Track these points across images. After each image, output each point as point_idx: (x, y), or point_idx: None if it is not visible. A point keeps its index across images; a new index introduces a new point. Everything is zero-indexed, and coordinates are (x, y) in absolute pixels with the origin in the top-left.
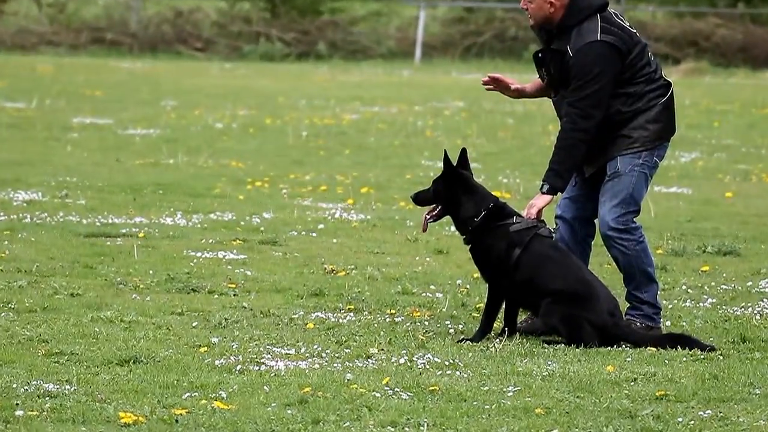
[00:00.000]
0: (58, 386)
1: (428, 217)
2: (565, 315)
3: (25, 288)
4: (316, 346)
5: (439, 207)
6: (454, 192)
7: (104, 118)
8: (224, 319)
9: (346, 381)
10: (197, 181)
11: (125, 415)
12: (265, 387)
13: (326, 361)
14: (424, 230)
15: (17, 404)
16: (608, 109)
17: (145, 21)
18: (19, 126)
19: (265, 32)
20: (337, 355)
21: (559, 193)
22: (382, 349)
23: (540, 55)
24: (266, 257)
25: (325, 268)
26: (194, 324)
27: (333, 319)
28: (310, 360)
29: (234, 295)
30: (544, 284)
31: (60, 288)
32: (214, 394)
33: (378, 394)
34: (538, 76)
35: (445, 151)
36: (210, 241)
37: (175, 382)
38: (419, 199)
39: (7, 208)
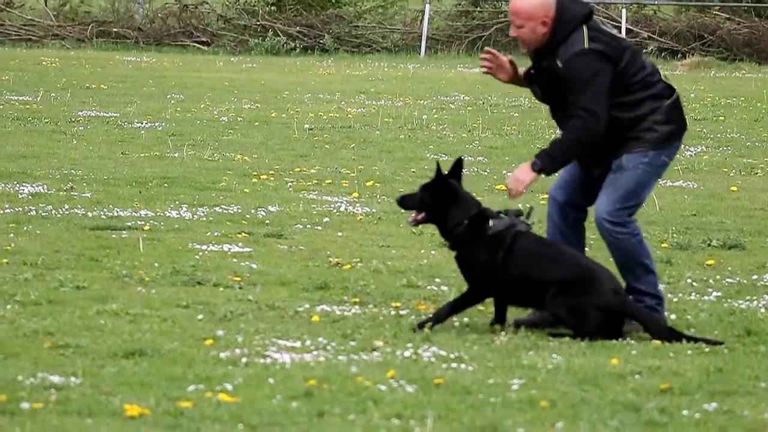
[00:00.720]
0: (63, 379)
1: (410, 221)
2: (571, 305)
3: (31, 280)
4: (321, 339)
5: (424, 213)
6: (441, 202)
7: (110, 112)
8: (229, 312)
9: (351, 374)
10: (203, 174)
11: (131, 407)
12: (270, 379)
13: (331, 354)
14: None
15: (23, 396)
16: (609, 117)
17: (151, 15)
18: (25, 119)
19: (271, 26)
20: (342, 347)
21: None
22: (387, 342)
23: (532, 72)
24: (271, 250)
25: (330, 261)
26: (199, 317)
27: (338, 312)
28: (315, 353)
29: (239, 288)
30: (541, 277)
31: (65, 281)
32: (219, 387)
33: (383, 387)
34: (532, 93)
35: (438, 163)
36: (215, 234)
37: (181, 374)
38: (405, 203)
39: (13, 200)
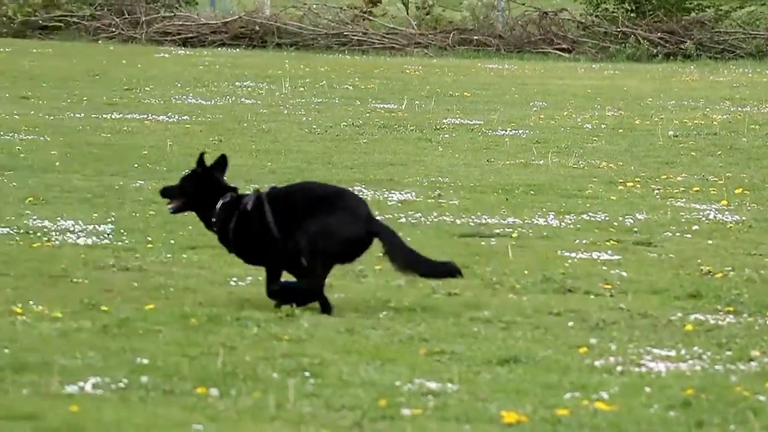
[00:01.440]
0: (440, 385)
1: (170, 207)
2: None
3: (403, 287)
4: (696, 348)
5: (183, 201)
6: (198, 190)
7: (473, 119)
8: (601, 320)
9: (729, 384)
10: (568, 181)
11: (508, 414)
12: (646, 388)
13: (707, 364)
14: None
15: (402, 402)
16: None
17: (511, 22)
18: (391, 127)
19: (632, 32)
20: (717, 357)
21: None
22: (765, 352)
23: None
24: (641, 258)
25: (702, 270)
26: (571, 324)
27: (712, 321)
28: (690, 362)
29: (610, 295)
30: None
31: (437, 287)
32: (595, 395)
33: (762, 398)
34: None
35: (201, 154)
36: (583, 241)
37: (556, 382)
38: (165, 193)
39: (383, 207)
